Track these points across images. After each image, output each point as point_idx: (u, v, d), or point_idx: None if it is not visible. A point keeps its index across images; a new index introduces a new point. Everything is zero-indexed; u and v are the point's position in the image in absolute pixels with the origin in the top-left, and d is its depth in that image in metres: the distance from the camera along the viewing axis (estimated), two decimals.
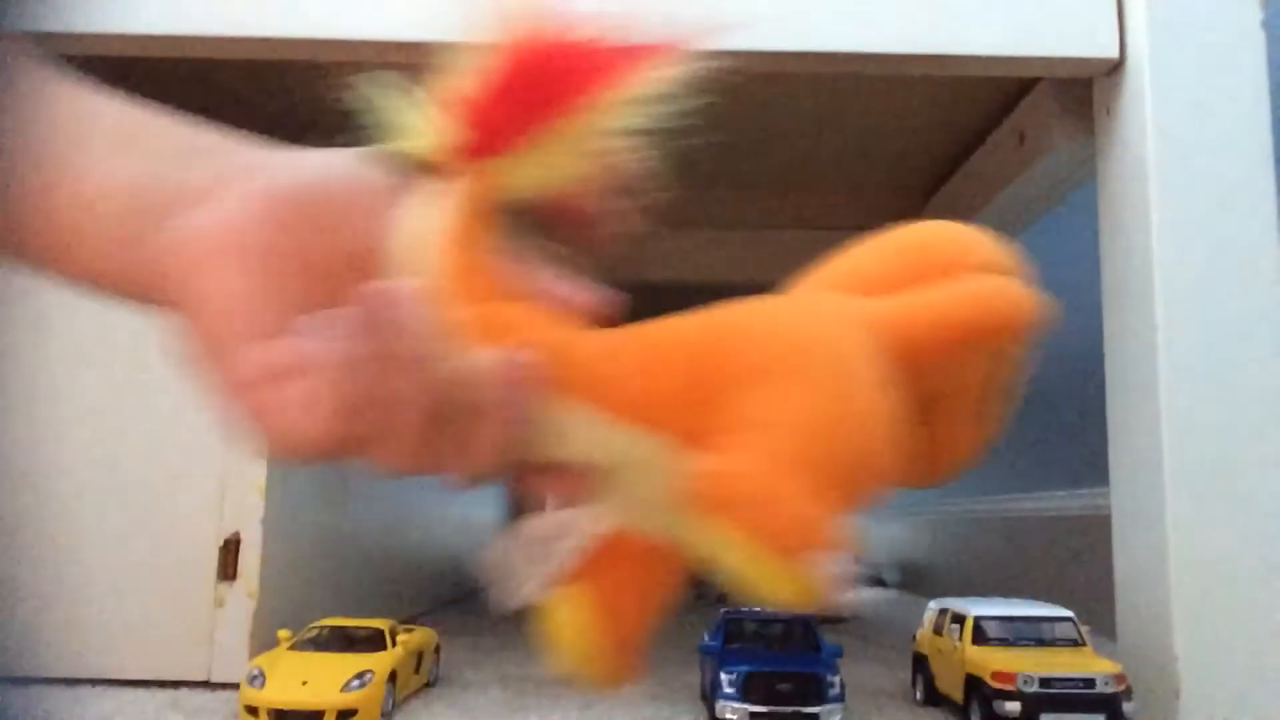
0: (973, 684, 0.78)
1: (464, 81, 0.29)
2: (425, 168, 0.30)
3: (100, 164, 0.25)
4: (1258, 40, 0.75)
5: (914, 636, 0.93)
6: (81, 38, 0.75)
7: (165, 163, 0.26)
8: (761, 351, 0.32)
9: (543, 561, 0.33)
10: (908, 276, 0.34)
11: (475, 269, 0.30)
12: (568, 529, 0.33)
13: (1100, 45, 0.77)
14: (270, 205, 0.24)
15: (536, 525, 0.33)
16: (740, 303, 0.32)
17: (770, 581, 0.28)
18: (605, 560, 0.36)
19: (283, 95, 1.10)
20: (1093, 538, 1.09)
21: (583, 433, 0.30)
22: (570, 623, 0.37)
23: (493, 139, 0.30)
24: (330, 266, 0.25)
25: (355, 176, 0.28)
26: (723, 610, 0.88)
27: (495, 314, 0.29)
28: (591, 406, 0.30)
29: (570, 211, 0.31)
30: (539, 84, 0.29)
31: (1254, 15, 0.76)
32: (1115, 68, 0.78)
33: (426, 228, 0.29)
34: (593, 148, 0.29)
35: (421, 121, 0.30)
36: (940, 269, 0.34)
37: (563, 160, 0.30)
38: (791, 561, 0.28)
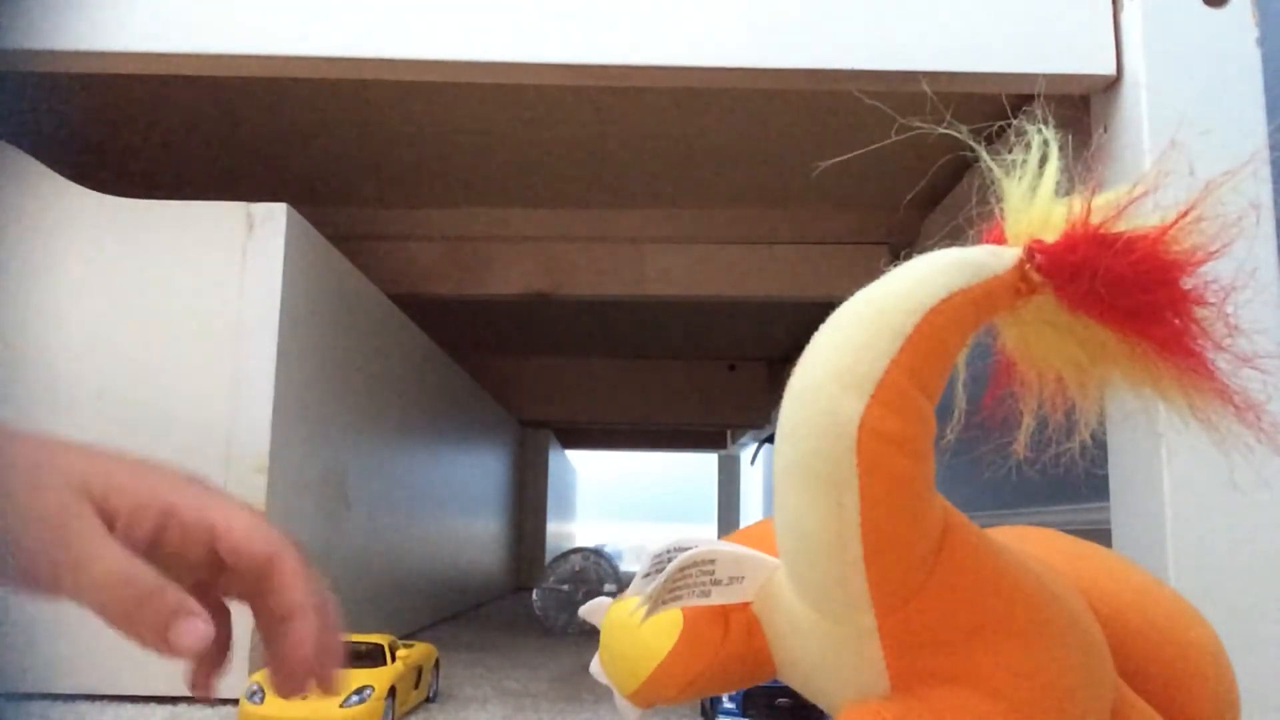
0: None
1: (1088, 210, 0.28)
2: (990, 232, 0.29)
3: None
4: (1254, 57, 0.76)
5: None
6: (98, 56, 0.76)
7: None
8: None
9: (678, 586, 0.33)
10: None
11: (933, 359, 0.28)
12: (712, 574, 0.34)
13: (1097, 62, 0.78)
14: None
15: (693, 555, 0.33)
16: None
17: None
18: (719, 619, 0.37)
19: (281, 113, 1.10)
20: None
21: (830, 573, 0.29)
22: (649, 642, 0.38)
23: (1061, 277, 0.28)
24: None
25: None
26: None
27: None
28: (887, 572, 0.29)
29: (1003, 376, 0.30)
30: (1129, 273, 0.28)
31: (1250, 33, 0.76)
32: (1111, 84, 0.78)
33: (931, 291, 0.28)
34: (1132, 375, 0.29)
35: (1041, 206, 0.29)
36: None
37: (1084, 353, 0.29)
38: None
